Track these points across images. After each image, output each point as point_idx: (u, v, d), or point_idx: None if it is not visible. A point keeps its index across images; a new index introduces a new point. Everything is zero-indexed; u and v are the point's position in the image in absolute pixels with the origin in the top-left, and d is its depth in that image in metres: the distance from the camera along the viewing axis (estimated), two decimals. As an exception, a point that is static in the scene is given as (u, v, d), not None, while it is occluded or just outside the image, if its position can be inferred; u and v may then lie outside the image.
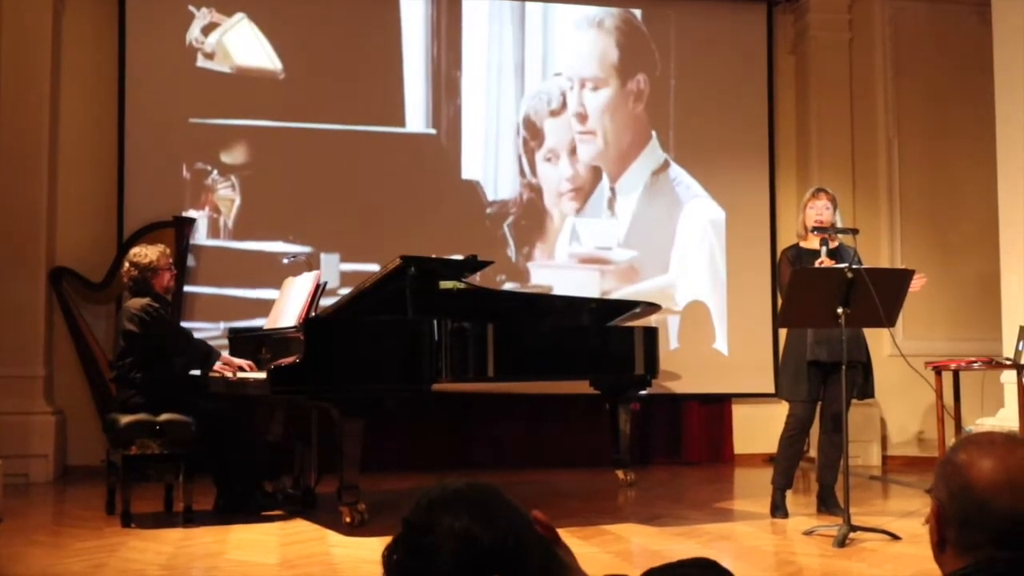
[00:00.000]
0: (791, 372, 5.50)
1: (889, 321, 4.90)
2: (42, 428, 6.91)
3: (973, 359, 6.40)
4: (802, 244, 5.57)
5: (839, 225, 5.49)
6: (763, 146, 8.36)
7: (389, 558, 1.27)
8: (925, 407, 7.73)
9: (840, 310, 4.76)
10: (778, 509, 5.49)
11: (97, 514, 5.48)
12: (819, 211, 5.48)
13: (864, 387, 5.44)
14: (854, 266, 4.79)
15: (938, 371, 6.59)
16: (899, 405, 7.99)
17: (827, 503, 5.46)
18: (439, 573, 1.22)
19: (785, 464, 5.54)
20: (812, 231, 5.36)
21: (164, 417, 5.23)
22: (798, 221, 5.67)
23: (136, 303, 5.42)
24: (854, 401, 5.38)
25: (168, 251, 5.71)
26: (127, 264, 5.53)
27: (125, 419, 5.23)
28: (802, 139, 8.44)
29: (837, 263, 5.13)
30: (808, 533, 4.94)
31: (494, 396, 7.29)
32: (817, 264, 5.17)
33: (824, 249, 5.24)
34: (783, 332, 5.96)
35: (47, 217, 7.11)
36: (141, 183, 7.32)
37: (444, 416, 7.45)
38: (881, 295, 4.74)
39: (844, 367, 4.86)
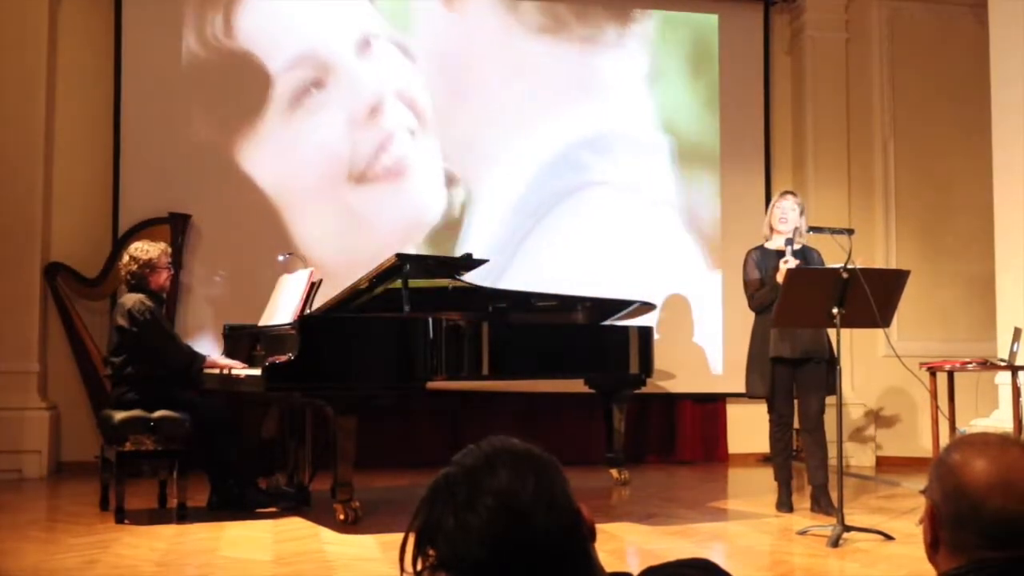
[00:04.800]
0: (757, 369, 5.58)
1: (884, 322, 4.91)
2: (36, 424, 6.90)
3: (968, 360, 6.39)
4: (766, 244, 5.66)
5: (802, 229, 5.53)
6: (759, 146, 8.36)
7: (431, 495, 1.18)
8: (919, 408, 7.74)
9: (835, 310, 4.78)
10: (783, 504, 5.61)
11: (91, 510, 5.47)
12: (783, 211, 5.58)
13: (831, 384, 5.47)
14: (849, 266, 4.79)
15: (933, 372, 6.58)
16: (893, 405, 8.01)
17: (820, 503, 5.47)
18: (469, 529, 1.14)
19: (779, 460, 5.65)
20: (809, 231, 5.38)
21: (158, 413, 5.22)
22: (764, 221, 5.74)
23: (130, 299, 5.41)
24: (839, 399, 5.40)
25: (169, 250, 5.69)
26: (127, 257, 5.52)
27: (119, 415, 5.22)
28: (798, 139, 8.44)
29: (803, 264, 5.23)
30: (802, 533, 4.95)
31: (488, 393, 7.30)
32: (782, 263, 5.27)
33: (790, 249, 5.31)
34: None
35: (42, 213, 7.10)
36: (137, 179, 7.30)
37: (438, 413, 7.45)
38: (876, 295, 4.76)
39: (839, 366, 4.89)
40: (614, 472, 6.67)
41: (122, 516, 5.11)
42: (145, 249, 5.53)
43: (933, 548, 1.47)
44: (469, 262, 5.75)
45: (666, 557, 1.46)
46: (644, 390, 6.84)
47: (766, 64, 8.44)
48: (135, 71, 7.38)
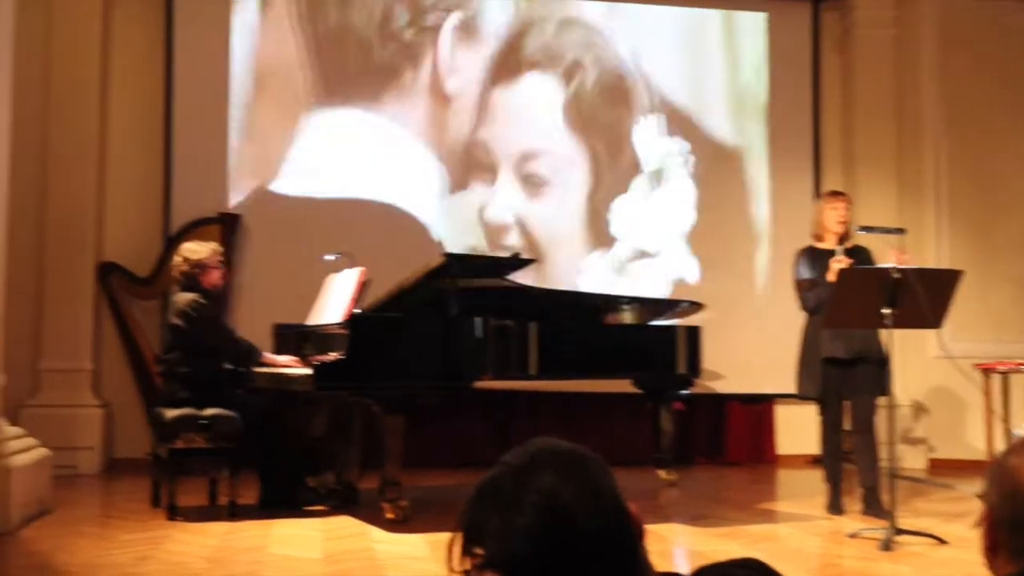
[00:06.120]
0: (808, 370, 5.53)
1: (936, 322, 4.85)
2: (89, 421, 7.01)
3: (1022, 361, 6.30)
4: (817, 245, 5.61)
5: (852, 229, 5.49)
6: (807, 146, 8.29)
7: (477, 495, 1.19)
8: (973, 409, 7.62)
9: (886, 311, 4.72)
10: (833, 506, 5.57)
11: (143, 507, 5.54)
12: (841, 213, 5.57)
13: (883, 385, 5.42)
14: (901, 266, 4.73)
15: (986, 373, 6.50)
16: (946, 407, 7.89)
17: (871, 505, 5.41)
18: (516, 529, 1.14)
19: (829, 462, 5.61)
20: (859, 231, 5.32)
21: (209, 412, 5.28)
22: (814, 222, 5.69)
23: (183, 298, 5.48)
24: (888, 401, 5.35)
25: (220, 249, 5.76)
26: (179, 258, 5.60)
27: (171, 413, 5.29)
28: (847, 138, 8.35)
29: (854, 263, 5.21)
30: (853, 536, 4.89)
31: (535, 394, 7.29)
32: (833, 262, 5.23)
33: (840, 248, 5.29)
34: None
35: (96, 213, 7.22)
36: (188, 179, 7.39)
37: (485, 414, 7.46)
38: (928, 296, 4.70)
39: (887, 366, 4.84)
40: (662, 473, 6.64)
41: (174, 513, 5.18)
42: (195, 249, 5.60)
43: (992, 552, 1.44)
44: (517, 262, 5.75)
45: (715, 558, 1.46)
46: (692, 390, 6.80)
47: (815, 63, 8.36)
48: (185, 71, 7.46)
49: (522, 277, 5.91)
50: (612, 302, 6.53)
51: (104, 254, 7.31)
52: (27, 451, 5.20)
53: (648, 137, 8.06)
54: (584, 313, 6.29)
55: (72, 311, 7.07)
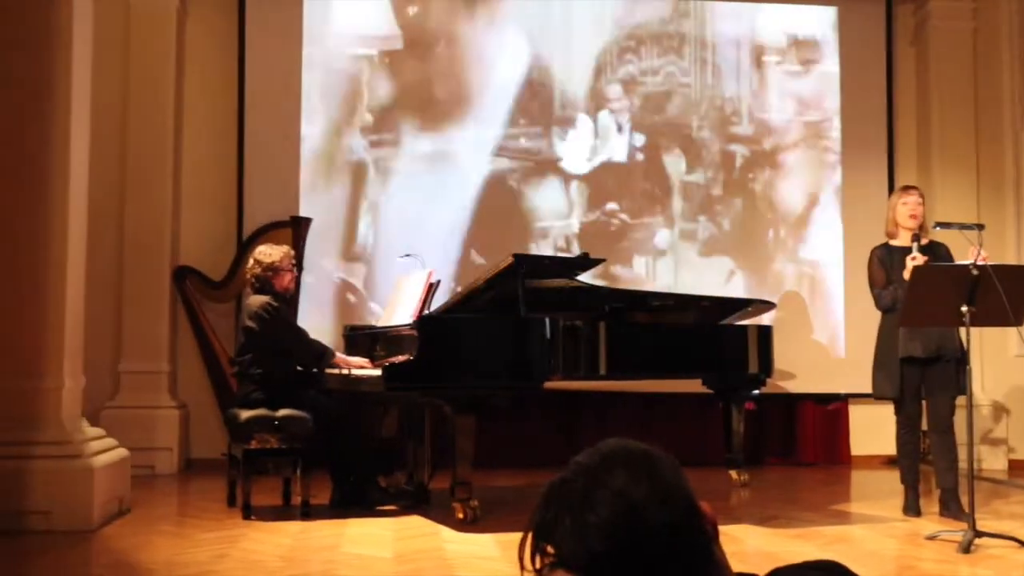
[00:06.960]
0: (884, 369, 5.44)
1: (1017, 320, 4.74)
2: (167, 422, 7.15)
3: (1107, 360, 6.13)
4: (891, 242, 5.52)
5: (926, 225, 5.41)
6: (882, 141, 8.16)
7: (549, 494, 1.20)
8: (1055, 409, 7.44)
9: (964, 308, 4.63)
10: (910, 508, 5.47)
11: (219, 506, 5.64)
12: (913, 208, 5.45)
13: (961, 383, 5.30)
14: (980, 263, 4.63)
15: (1069, 372, 6.33)
16: (1027, 407, 7.71)
17: (950, 507, 5.31)
18: (588, 528, 1.15)
19: (906, 463, 5.52)
20: (936, 227, 5.23)
21: (282, 412, 5.35)
22: (887, 219, 5.59)
23: (256, 301, 5.56)
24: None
25: (292, 253, 5.84)
26: (252, 261, 5.69)
27: (245, 414, 5.37)
28: (923, 132, 8.19)
29: (931, 260, 5.11)
30: (931, 538, 4.80)
31: (605, 393, 7.27)
32: (909, 259, 5.15)
33: (916, 245, 5.20)
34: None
35: (172, 219, 7.36)
36: (260, 184, 7.51)
37: (555, 414, 7.46)
38: (1008, 292, 4.59)
39: (969, 365, 4.73)
40: (733, 473, 6.58)
41: (248, 512, 5.26)
42: (268, 253, 5.69)
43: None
44: (585, 262, 5.74)
45: (788, 560, 1.44)
46: (764, 390, 6.73)
47: (888, 56, 8.22)
48: (257, 79, 7.58)
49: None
50: (682, 301, 6.48)
51: (180, 258, 7.45)
52: (107, 451, 5.31)
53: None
54: (654, 312, 6.25)
55: (150, 314, 7.22)
